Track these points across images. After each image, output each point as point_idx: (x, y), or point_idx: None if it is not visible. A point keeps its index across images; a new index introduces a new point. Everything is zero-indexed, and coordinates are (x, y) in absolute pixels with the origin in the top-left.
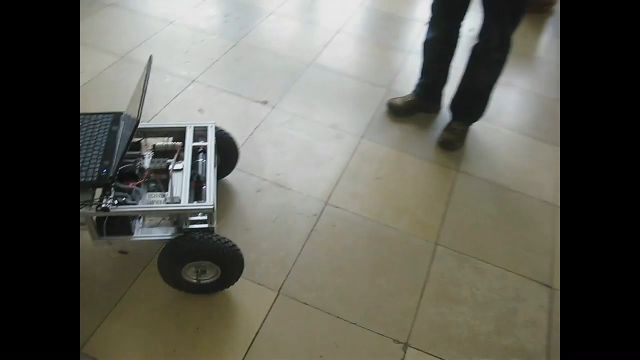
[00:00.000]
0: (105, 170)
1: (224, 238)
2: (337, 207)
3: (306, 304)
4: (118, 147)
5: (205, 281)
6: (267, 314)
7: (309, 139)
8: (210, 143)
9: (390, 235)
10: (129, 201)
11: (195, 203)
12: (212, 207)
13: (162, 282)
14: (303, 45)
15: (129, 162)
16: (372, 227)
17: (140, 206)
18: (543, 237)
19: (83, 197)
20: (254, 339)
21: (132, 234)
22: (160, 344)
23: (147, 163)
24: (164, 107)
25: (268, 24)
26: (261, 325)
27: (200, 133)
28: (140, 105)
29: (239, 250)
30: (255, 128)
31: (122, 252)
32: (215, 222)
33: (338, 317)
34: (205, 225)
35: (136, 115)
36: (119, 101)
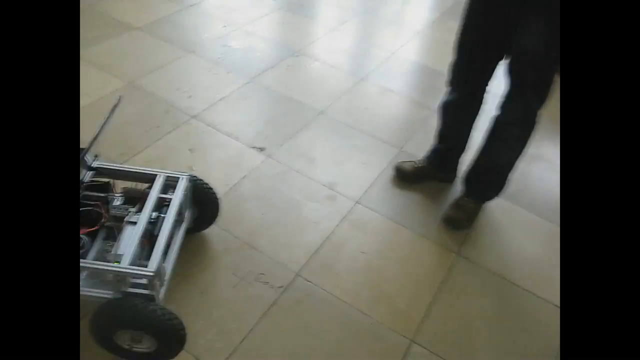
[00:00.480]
0: None
1: (164, 309)
2: (309, 282)
3: None
4: None
5: (138, 350)
6: None
7: (298, 198)
8: (177, 197)
9: (361, 324)
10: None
11: (134, 266)
12: (152, 274)
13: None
14: (319, 91)
15: (89, 204)
16: (342, 311)
17: None
18: (547, 348)
19: None
20: None
21: None
22: None
23: (112, 207)
24: (156, 140)
25: (288, 63)
26: None
27: (172, 183)
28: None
29: (180, 325)
30: (244, 177)
31: None
32: (160, 289)
33: None
34: (147, 292)
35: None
36: (110, 128)
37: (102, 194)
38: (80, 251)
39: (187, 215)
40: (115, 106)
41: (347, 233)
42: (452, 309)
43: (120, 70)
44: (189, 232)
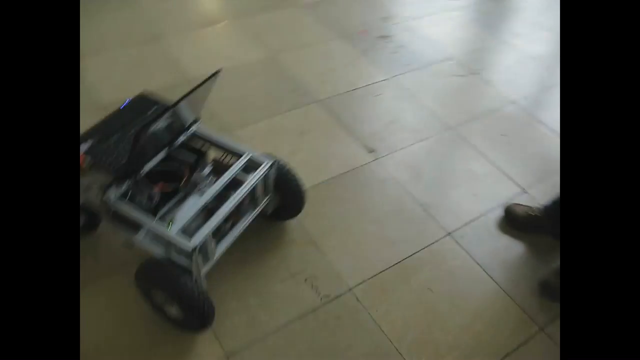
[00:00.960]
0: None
1: (198, 286)
2: (358, 301)
3: None
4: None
5: (168, 312)
6: None
7: (387, 209)
8: (251, 180)
9: None
10: (144, 201)
11: (179, 236)
12: (189, 248)
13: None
14: (458, 104)
15: (176, 165)
16: (377, 345)
17: (128, 211)
18: None
19: (106, 181)
20: None
21: (136, 232)
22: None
23: (196, 174)
24: (272, 116)
25: (435, 69)
26: None
27: (257, 165)
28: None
29: (210, 306)
30: (342, 174)
31: (126, 245)
32: (202, 265)
33: None
34: (186, 264)
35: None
36: (234, 95)
37: (192, 159)
38: (150, 205)
39: (265, 201)
40: (214, 75)
41: (421, 263)
42: None
43: (268, 42)
44: (272, 219)
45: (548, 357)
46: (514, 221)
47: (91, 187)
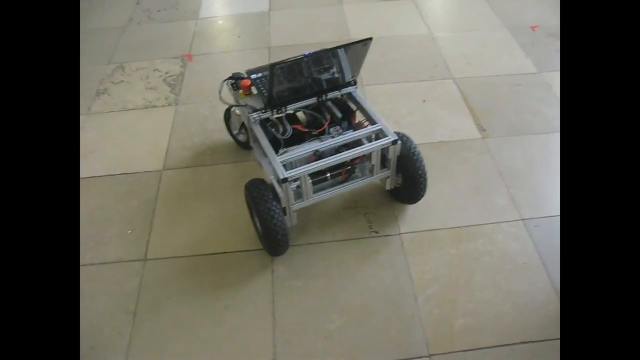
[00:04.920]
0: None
1: (279, 216)
2: (402, 245)
3: None
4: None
5: (256, 227)
6: None
7: (471, 182)
8: (366, 146)
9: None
10: (278, 133)
11: (278, 165)
12: (280, 176)
13: None
14: None
15: (319, 114)
16: (399, 285)
17: (259, 134)
18: None
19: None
20: None
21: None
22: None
23: (334, 128)
24: (405, 81)
25: None
26: None
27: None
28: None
29: (285, 237)
30: (445, 141)
31: (257, 162)
32: (290, 199)
33: None
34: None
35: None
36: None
37: (337, 115)
38: (283, 137)
39: (382, 173)
40: (364, 40)
41: (480, 235)
42: None
43: (435, 22)
44: (393, 197)
45: None
46: None
47: (247, 109)
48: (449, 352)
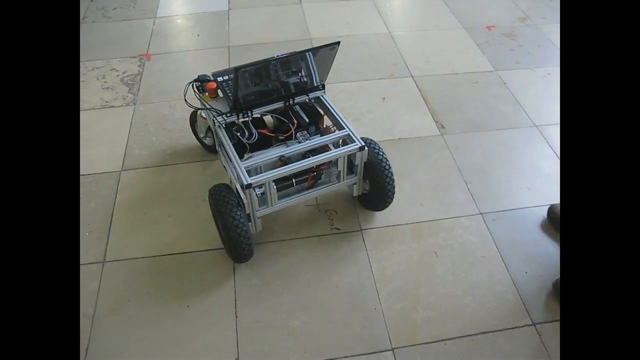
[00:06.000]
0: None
1: (243, 222)
2: (363, 241)
3: None
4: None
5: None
6: None
7: (431, 178)
8: (332, 152)
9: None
10: (244, 137)
11: (242, 170)
12: (244, 182)
13: None
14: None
15: (286, 118)
16: (362, 281)
17: (223, 137)
18: None
19: (222, 109)
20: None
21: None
22: None
23: (300, 132)
24: (365, 80)
25: None
26: None
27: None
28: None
29: (248, 244)
30: (405, 139)
31: (224, 167)
32: (254, 205)
33: None
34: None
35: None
36: (344, 59)
37: (305, 119)
38: (248, 141)
39: (348, 179)
40: (333, 44)
41: (440, 230)
42: None
43: (393, 21)
44: (361, 203)
45: (529, 350)
46: (555, 221)
47: (212, 112)
48: (411, 345)
